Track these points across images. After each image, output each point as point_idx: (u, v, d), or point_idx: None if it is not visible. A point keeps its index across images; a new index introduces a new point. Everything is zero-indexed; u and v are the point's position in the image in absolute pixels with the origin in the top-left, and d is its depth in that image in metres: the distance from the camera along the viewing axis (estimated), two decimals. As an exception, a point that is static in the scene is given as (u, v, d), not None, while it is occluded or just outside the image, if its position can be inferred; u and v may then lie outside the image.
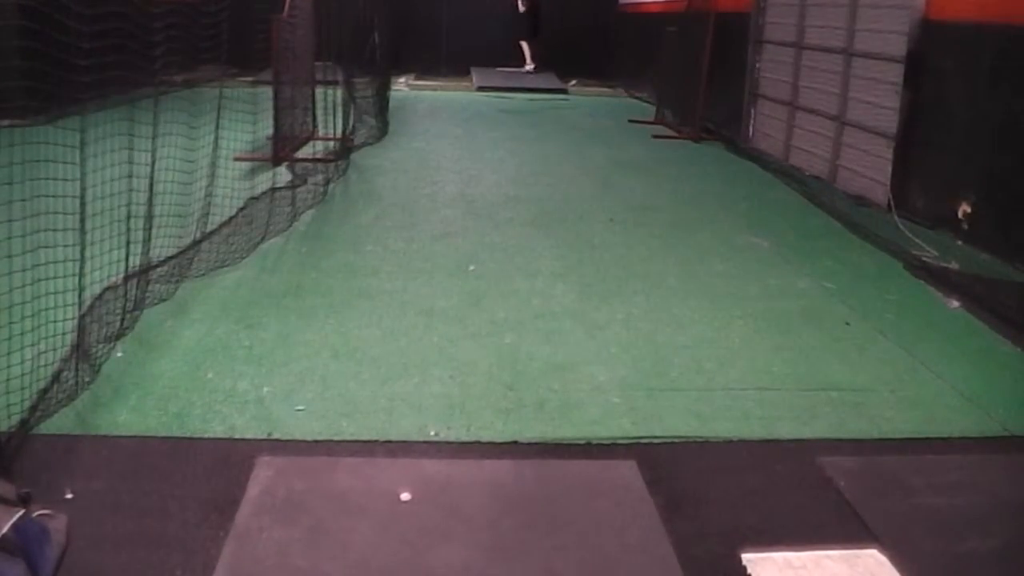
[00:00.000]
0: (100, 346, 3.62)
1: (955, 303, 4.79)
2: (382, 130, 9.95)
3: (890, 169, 6.93)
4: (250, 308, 4.37)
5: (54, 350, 3.37)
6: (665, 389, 3.63)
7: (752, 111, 10.15)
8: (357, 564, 2.45)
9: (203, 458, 2.97)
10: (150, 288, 4.22)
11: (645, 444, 3.18)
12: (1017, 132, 5.50)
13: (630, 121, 11.96)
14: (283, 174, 7.10)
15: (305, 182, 6.84)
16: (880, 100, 7.20)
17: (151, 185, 4.11)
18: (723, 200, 7.32)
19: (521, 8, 16.66)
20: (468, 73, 17.17)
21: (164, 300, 4.32)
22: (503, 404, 3.45)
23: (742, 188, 7.90)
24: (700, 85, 10.22)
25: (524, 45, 17.09)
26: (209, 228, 5.13)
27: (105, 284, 3.96)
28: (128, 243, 3.90)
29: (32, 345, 3.26)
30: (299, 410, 3.34)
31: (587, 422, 3.32)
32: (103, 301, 3.93)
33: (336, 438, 3.14)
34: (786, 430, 3.32)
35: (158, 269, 4.41)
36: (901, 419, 3.44)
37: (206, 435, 3.13)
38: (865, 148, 7.45)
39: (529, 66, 17.17)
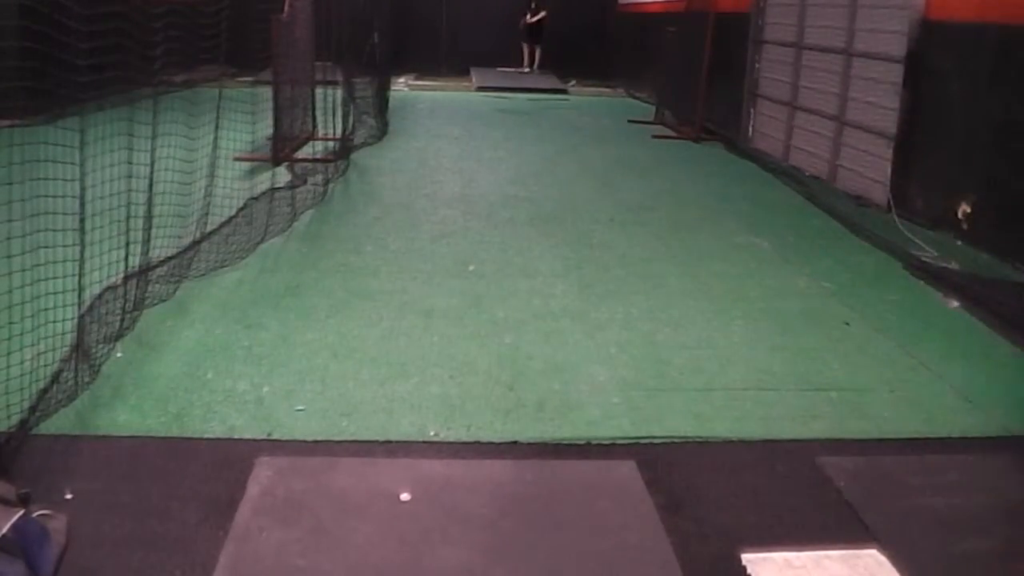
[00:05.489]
0: (100, 346, 3.62)
1: (955, 303, 4.79)
2: (382, 130, 9.95)
3: (890, 169, 6.93)
4: (250, 308, 4.37)
5: (54, 350, 3.37)
6: (665, 389, 3.63)
7: (752, 111, 10.15)
8: (357, 564, 2.44)
9: (203, 458, 2.96)
10: (150, 288, 4.22)
11: (645, 444, 3.18)
12: (1017, 132, 5.50)
13: (630, 121, 11.96)
14: (283, 174, 7.10)
15: (305, 182, 6.85)
16: (880, 100, 7.20)
17: (151, 185, 4.11)
18: (723, 200, 7.33)
19: (530, 20, 16.94)
20: (468, 73, 17.19)
21: (164, 300, 4.32)
22: (503, 404, 3.45)
23: (742, 188, 7.90)
24: (700, 85, 10.22)
25: (536, 50, 17.30)
26: (209, 228, 5.13)
27: (105, 284, 3.95)
28: (128, 243, 3.89)
29: (32, 345, 3.26)
30: (299, 410, 3.34)
31: (587, 422, 3.32)
32: (103, 301, 3.93)
33: (336, 438, 3.14)
34: (786, 430, 3.32)
35: (158, 269, 4.41)
36: (901, 419, 3.44)
37: (206, 435, 3.13)
38: (865, 148, 7.45)
39: (525, 68, 17.37)
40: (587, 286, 4.91)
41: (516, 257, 5.46)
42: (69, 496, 2.69)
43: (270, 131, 7.56)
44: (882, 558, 2.55)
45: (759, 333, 4.28)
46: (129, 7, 4.49)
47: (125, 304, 3.90)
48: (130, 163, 4.01)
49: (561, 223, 6.33)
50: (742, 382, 3.72)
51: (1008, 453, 3.23)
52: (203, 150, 5.08)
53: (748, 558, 2.53)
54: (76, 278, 3.40)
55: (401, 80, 16.12)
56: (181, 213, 4.78)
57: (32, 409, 3.03)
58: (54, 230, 3.40)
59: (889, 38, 7.06)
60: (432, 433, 3.21)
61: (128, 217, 3.92)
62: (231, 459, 2.95)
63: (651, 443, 3.19)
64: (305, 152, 8.24)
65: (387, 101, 11.02)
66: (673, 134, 10.77)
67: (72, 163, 3.36)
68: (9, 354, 3.09)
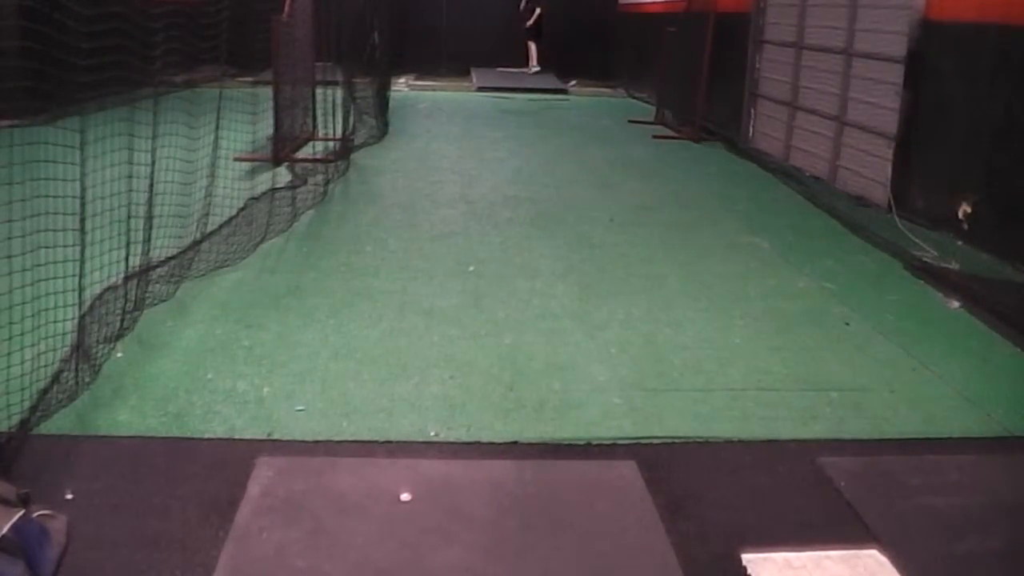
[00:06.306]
0: (100, 346, 3.62)
1: (955, 303, 4.79)
2: (382, 130, 9.95)
3: (890, 169, 6.93)
4: (250, 308, 4.37)
5: (54, 350, 3.37)
6: (665, 389, 3.63)
7: (752, 111, 10.15)
8: (357, 565, 2.44)
9: (203, 458, 2.97)
10: (150, 288, 4.22)
11: (645, 444, 3.17)
12: (1017, 132, 5.50)
13: (630, 121, 11.97)
14: (283, 174, 7.10)
15: (305, 182, 6.85)
16: (880, 100, 7.20)
17: (151, 185, 4.12)
18: (723, 200, 7.32)
19: (529, 22, 17.06)
20: (468, 73, 17.20)
21: (164, 300, 4.32)
22: (503, 404, 3.44)
23: (742, 188, 7.90)
24: (700, 85, 10.22)
25: (532, 47, 17.38)
26: (209, 228, 5.13)
27: (105, 284, 3.95)
28: (128, 243, 3.90)
29: (32, 345, 3.26)
30: (299, 410, 3.34)
31: (587, 422, 3.32)
32: (103, 301, 3.93)
33: (336, 438, 3.14)
34: (786, 430, 3.32)
35: (158, 269, 4.41)
36: (901, 419, 3.44)
37: (206, 435, 3.13)
38: (865, 148, 7.45)
39: (534, 67, 17.43)
40: (587, 286, 4.91)
41: (516, 257, 5.46)
42: (69, 496, 2.69)
43: (270, 131, 7.57)
44: (883, 558, 2.55)
45: (759, 333, 4.28)
46: (129, 7, 4.49)
47: (125, 304, 3.90)
48: (130, 163, 4.01)
49: (561, 223, 6.33)
50: (742, 382, 3.72)
51: (1008, 453, 3.23)
52: (203, 150, 5.08)
53: (748, 558, 2.53)
54: (76, 278, 3.40)
55: (401, 80, 16.12)
56: (181, 213, 4.78)
57: (32, 409, 3.03)
58: (54, 230, 3.40)
59: (889, 38, 7.06)
60: (432, 433, 3.21)
61: (128, 217, 3.92)
62: (231, 459, 2.95)
63: (651, 443, 3.18)
64: (305, 152, 8.25)
65: (387, 101, 11.02)
66: (673, 134, 10.77)
67: (72, 163, 3.36)
68: (9, 354, 3.09)
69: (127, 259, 3.94)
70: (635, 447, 3.15)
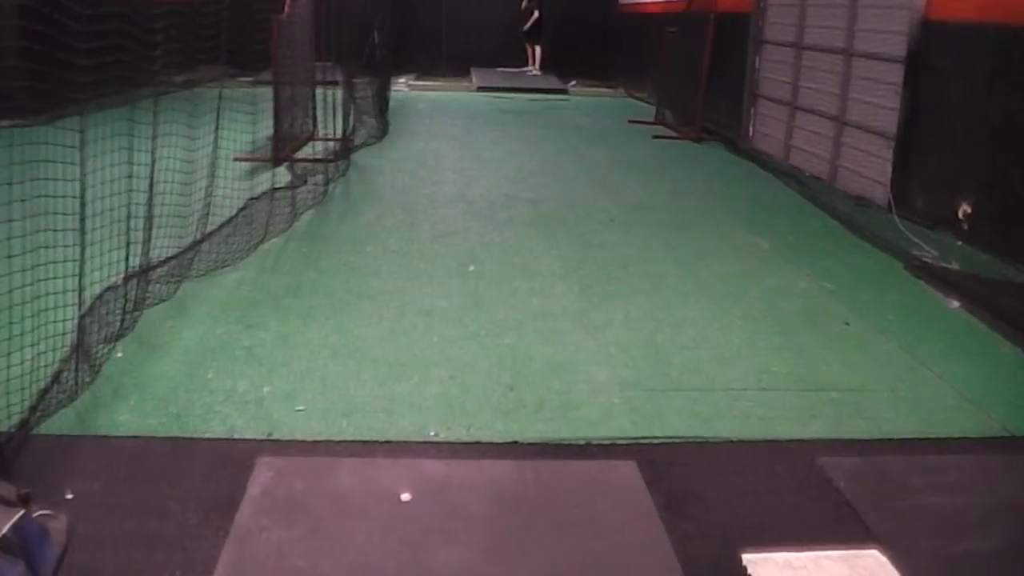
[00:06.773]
0: (100, 346, 3.62)
1: (955, 303, 4.79)
2: (382, 130, 9.95)
3: (890, 169, 6.93)
4: (250, 308, 4.37)
5: (54, 350, 3.37)
6: (665, 389, 3.63)
7: (752, 111, 10.15)
8: (357, 564, 2.45)
9: (203, 458, 2.97)
10: (150, 288, 4.22)
11: (645, 444, 3.18)
12: (1017, 132, 5.50)
13: (630, 121, 11.96)
14: (283, 174, 7.10)
15: (305, 182, 6.85)
16: (880, 100, 7.20)
17: (151, 185, 4.11)
18: (723, 200, 7.33)
19: (526, 26, 17.03)
20: (468, 73, 17.20)
21: (164, 300, 4.32)
22: (503, 404, 3.45)
23: (742, 188, 7.90)
24: (700, 85, 10.22)
25: (537, 49, 17.36)
26: (209, 228, 5.13)
27: (105, 284, 3.95)
28: (128, 243, 3.90)
29: (32, 345, 3.26)
30: (299, 410, 3.34)
31: (587, 422, 3.32)
32: (103, 301, 3.93)
33: (336, 438, 3.14)
34: (786, 430, 3.32)
35: (158, 269, 4.41)
36: (901, 419, 3.44)
37: (206, 435, 3.13)
38: (865, 148, 7.45)
39: (534, 71, 17.40)
40: (587, 286, 4.91)
41: (516, 257, 5.46)
42: (69, 496, 2.69)
43: (270, 131, 7.57)
44: (883, 558, 2.55)
45: (759, 333, 4.28)
46: (129, 7, 4.49)
47: (125, 304, 3.90)
48: (130, 163, 4.01)
49: (561, 223, 6.33)
50: (742, 382, 3.72)
51: (1008, 453, 3.23)
52: (203, 150, 5.08)
53: (748, 558, 2.53)
54: (76, 278, 3.40)
55: (401, 80, 16.11)
56: (181, 213, 4.78)
57: (32, 409, 3.03)
58: (54, 230, 3.40)
59: (889, 38, 7.06)
60: (432, 433, 3.21)
61: (128, 217, 3.92)
62: (231, 459, 2.95)
63: (651, 443, 3.19)
64: (305, 152, 8.24)
65: (387, 101, 11.02)
66: (673, 134, 10.77)
67: (72, 163, 3.36)
68: (9, 354, 3.09)
69: (127, 259, 3.94)
70: (635, 447, 3.15)
